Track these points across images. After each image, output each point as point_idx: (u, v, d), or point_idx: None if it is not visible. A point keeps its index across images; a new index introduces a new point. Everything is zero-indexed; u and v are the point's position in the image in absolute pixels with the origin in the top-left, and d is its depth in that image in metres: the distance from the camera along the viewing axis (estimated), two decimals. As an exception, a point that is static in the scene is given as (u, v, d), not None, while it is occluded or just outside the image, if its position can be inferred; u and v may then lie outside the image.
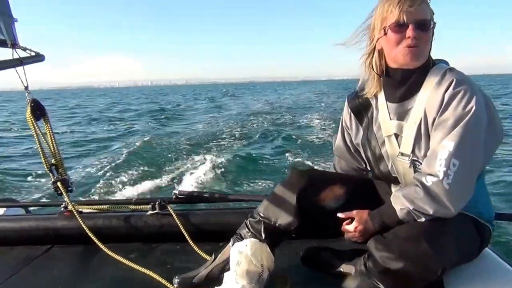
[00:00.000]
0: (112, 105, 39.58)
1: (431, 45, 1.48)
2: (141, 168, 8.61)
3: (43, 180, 7.55)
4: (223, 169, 8.40)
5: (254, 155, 10.10)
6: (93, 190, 7.04)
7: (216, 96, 52.07)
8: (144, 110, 28.68)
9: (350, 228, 1.58)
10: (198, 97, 52.58)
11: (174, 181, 7.54)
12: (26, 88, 1.93)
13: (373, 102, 1.66)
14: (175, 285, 1.63)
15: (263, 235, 1.64)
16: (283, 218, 1.64)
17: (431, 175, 1.39)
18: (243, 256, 1.50)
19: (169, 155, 10.12)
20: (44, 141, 2.07)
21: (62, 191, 2.10)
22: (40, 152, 2.05)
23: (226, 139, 12.93)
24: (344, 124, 1.79)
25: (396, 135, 1.56)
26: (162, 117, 22.84)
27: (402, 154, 1.53)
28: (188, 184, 7.19)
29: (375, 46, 1.54)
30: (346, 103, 1.77)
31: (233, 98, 45.21)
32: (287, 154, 9.92)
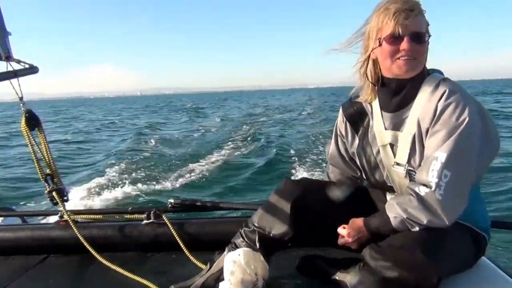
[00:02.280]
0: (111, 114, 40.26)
1: (426, 56, 1.49)
2: (136, 176, 8.60)
3: (39, 189, 7.53)
4: (217, 178, 8.41)
5: (248, 163, 10.12)
6: (88, 199, 7.02)
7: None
8: (138, 117, 29.37)
9: (343, 233, 1.58)
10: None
11: (169, 189, 7.53)
12: (21, 99, 1.94)
13: (368, 111, 1.66)
14: None
15: (258, 245, 1.64)
16: (277, 228, 1.64)
17: (424, 185, 1.40)
18: (237, 265, 1.51)
19: (164, 164, 10.10)
20: (39, 151, 2.07)
21: (58, 200, 2.10)
22: (35, 162, 2.05)
23: (222, 147, 12.95)
24: (338, 132, 1.79)
25: (391, 145, 1.56)
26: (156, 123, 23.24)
27: (397, 164, 1.54)
28: (183, 193, 7.20)
29: (369, 56, 1.54)
30: (340, 111, 1.77)
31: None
32: (279, 163, 9.94)
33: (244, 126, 19.28)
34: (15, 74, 1.78)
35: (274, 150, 11.62)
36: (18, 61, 1.80)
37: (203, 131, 18.43)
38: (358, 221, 1.58)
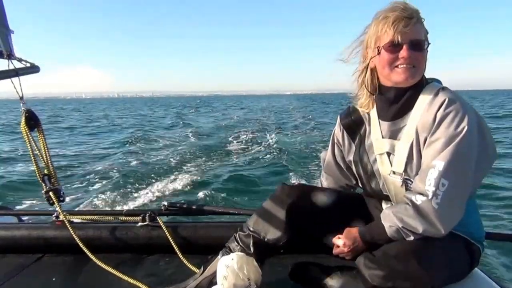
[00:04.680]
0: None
1: (425, 64, 1.49)
2: (132, 179, 8.56)
3: (36, 188, 7.51)
4: (213, 182, 8.38)
5: (243, 168, 10.08)
6: (84, 200, 7.00)
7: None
8: (132, 121, 29.69)
9: (339, 243, 1.58)
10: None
11: (164, 193, 7.49)
12: (21, 98, 1.95)
13: (365, 119, 1.66)
14: None
15: (252, 249, 1.64)
16: (272, 233, 1.64)
17: (420, 194, 1.39)
18: (230, 270, 1.51)
19: (159, 167, 10.05)
20: (38, 151, 2.08)
21: (54, 201, 2.10)
22: (33, 162, 2.06)
23: (216, 152, 12.93)
24: (336, 141, 1.79)
25: (388, 154, 1.56)
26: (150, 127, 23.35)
27: (394, 172, 1.53)
28: (178, 196, 7.16)
29: (368, 64, 1.55)
30: (338, 120, 1.77)
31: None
32: (276, 169, 9.90)
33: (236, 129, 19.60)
34: (16, 72, 1.79)
35: (270, 156, 11.63)
36: (20, 60, 1.81)
37: (191, 135, 18.39)
38: (353, 231, 1.58)
